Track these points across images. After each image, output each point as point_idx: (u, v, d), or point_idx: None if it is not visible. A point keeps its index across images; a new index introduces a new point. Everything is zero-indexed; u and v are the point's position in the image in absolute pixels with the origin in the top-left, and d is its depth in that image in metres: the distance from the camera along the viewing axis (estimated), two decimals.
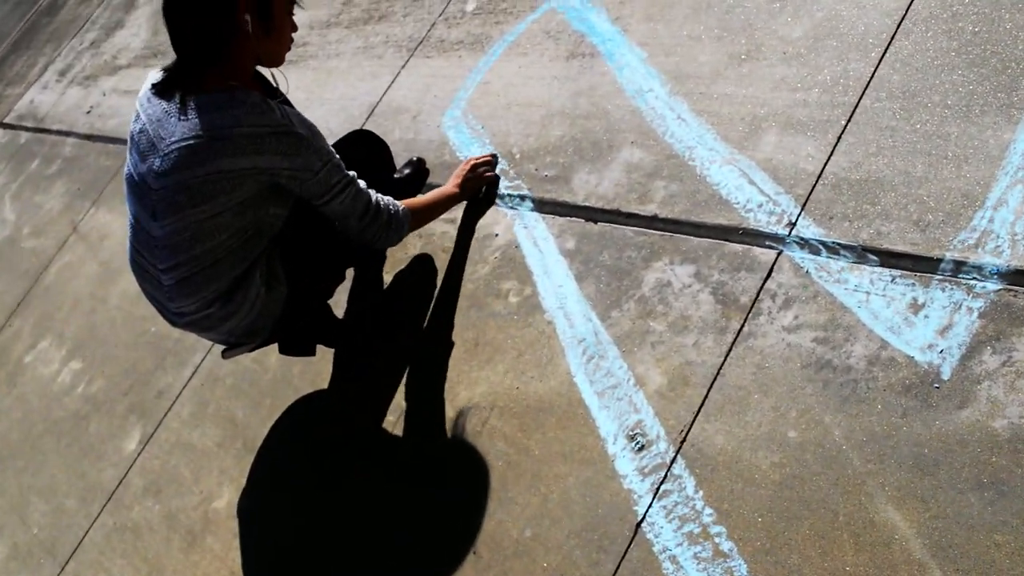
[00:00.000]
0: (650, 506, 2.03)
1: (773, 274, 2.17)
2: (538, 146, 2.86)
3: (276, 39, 2.20)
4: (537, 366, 2.39)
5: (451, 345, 2.60)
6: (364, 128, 2.93)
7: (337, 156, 2.28)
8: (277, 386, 2.88)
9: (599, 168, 2.66)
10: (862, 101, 2.29)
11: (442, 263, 2.80)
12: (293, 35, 2.29)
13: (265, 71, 2.38)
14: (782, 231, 2.21)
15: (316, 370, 2.83)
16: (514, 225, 2.74)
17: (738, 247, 2.26)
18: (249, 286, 2.32)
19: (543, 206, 2.71)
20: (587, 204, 2.61)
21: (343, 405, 2.73)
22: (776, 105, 2.42)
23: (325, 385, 2.80)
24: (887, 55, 2.32)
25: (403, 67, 3.55)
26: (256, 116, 2.07)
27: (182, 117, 2.10)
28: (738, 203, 2.32)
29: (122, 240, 3.84)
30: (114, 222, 4.12)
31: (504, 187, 2.84)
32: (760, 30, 2.61)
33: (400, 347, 2.71)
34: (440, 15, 3.63)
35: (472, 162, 2.81)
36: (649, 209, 2.47)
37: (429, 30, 3.60)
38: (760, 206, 2.28)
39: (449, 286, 2.74)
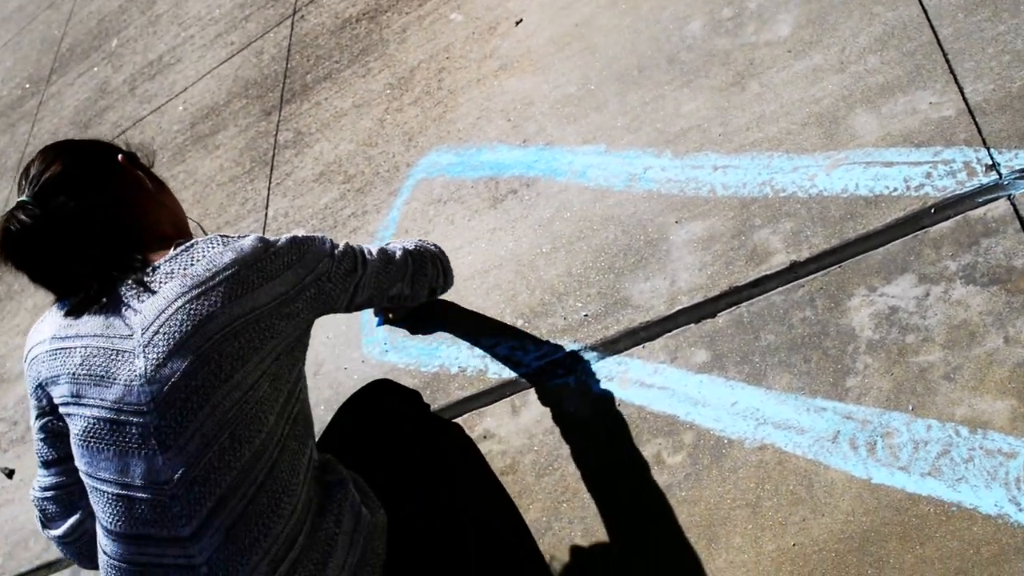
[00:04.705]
0: None
1: None
2: (540, 298, 2.25)
3: (171, 195, 1.79)
4: (798, 502, 1.69)
5: (638, 557, 1.79)
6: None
7: None
8: None
9: (657, 268, 2.10)
10: (939, 33, 2.04)
11: (528, 470, 2.01)
12: None
13: None
14: (986, 179, 1.82)
15: None
16: (592, 387, 2.05)
17: (946, 224, 1.82)
18: (342, 497, 1.59)
19: (614, 345, 2.08)
20: (679, 308, 2.03)
21: None
22: (835, 91, 2.10)
23: None
24: None
25: None
26: (236, 248, 1.53)
27: (143, 298, 1.47)
28: (895, 190, 1.90)
29: None
30: None
31: (534, 360, 2.15)
32: (734, 52, 2.31)
33: None
34: None
35: None
36: (778, 261, 1.95)
37: None
38: (928, 176, 1.88)
39: (566, 495, 1.95)
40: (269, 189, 3.19)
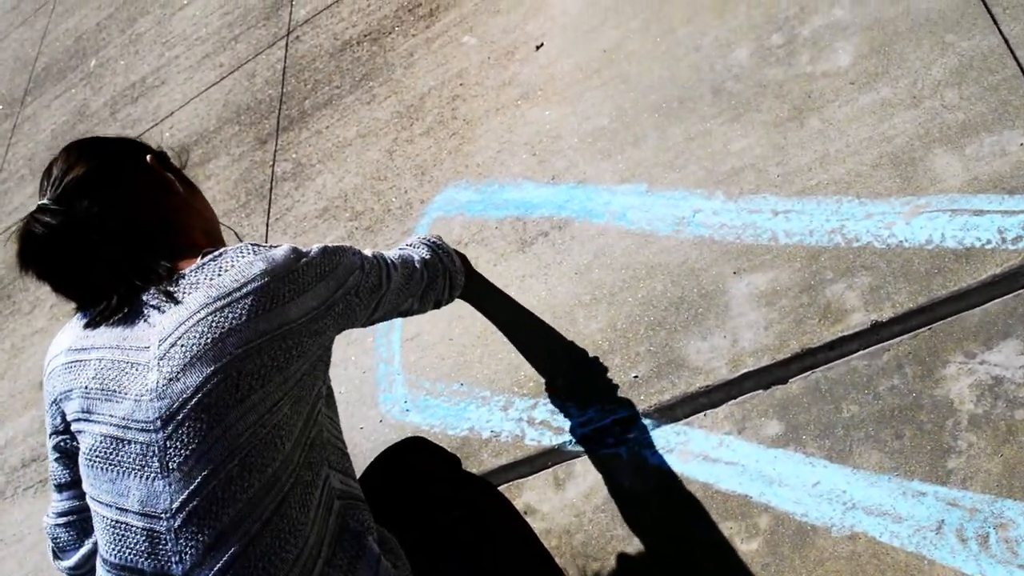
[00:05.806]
0: None
1: None
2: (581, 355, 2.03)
3: (203, 200, 1.68)
4: None
5: None
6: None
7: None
8: None
9: (715, 324, 1.89)
10: (1023, 65, 1.83)
11: (577, 553, 1.80)
12: None
13: None
14: None
15: None
16: (648, 459, 1.83)
17: None
18: (356, 551, 1.38)
19: (671, 412, 1.86)
20: (744, 371, 1.82)
21: None
22: (908, 128, 1.90)
23: None
24: (996, 17, 1.92)
25: None
26: (267, 258, 1.39)
27: (166, 308, 1.34)
28: (988, 242, 1.70)
29: None
30: None
31: (578, 427, 1.94)
32: (788, 83, 2.11)
33: None
34: None
35: None
36: (857, 321, 1.75)
37: None
38: None
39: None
40: (267, 225, 2.96)
